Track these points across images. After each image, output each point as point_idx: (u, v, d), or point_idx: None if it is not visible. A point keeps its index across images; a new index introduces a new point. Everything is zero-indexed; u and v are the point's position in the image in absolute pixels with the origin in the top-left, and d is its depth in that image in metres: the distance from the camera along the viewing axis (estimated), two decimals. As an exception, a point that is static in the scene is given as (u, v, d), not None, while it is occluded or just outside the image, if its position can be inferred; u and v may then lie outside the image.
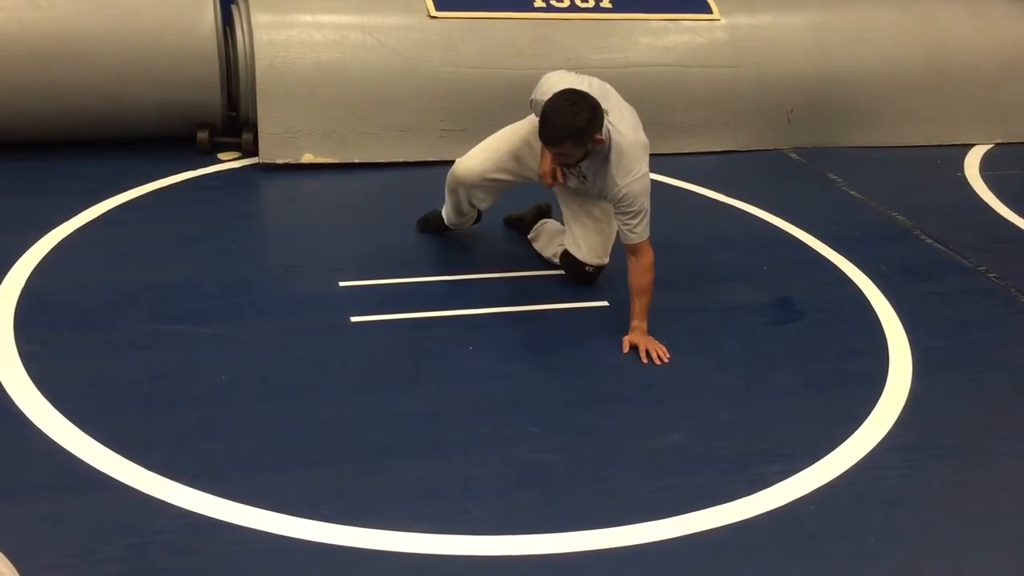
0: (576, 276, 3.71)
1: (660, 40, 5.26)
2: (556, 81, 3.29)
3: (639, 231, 3.30)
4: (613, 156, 3.21)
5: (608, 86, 3.35)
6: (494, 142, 3.62)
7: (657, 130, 5.12)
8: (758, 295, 3.82)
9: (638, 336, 3.34)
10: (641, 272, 3.33)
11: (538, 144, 3.38)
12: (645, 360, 3.27)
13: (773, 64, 5.40)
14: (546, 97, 3.17)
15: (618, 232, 3.41)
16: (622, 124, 3.22)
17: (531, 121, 3.49)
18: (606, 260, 3.68)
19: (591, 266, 3.66)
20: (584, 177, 3.39)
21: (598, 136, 3.15)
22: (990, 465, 2.90)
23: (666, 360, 3.28)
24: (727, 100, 5.35)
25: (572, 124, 3.07)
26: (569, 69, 3.48)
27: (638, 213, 3.26)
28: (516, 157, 3.57)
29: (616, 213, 3.34)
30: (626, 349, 3.32)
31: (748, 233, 4.43)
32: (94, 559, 2.29)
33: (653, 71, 5.13)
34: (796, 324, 3.65)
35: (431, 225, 4.02)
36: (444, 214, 3.92)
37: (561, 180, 3.40)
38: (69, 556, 2.29)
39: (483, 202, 3.77)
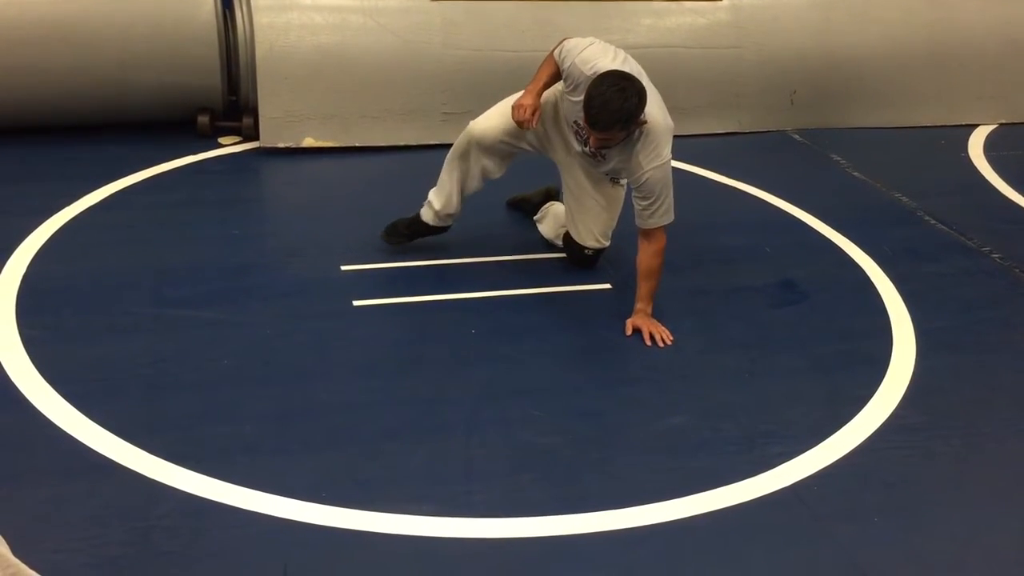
0: (576, 258, 3.69)
1: (662, 21, 5.23)
2: (595, 53, 3.17)
3: (658, 217, 3.23)
4: (642, 139, 3.14)
5: (635, 62, 3.25)
6: (507, 104, 3.46)
7: (659, 112, 5.15)
8: (761, 277, 3.81)
9: (641, 319, 3.33)
10: (652, 255, 3.30)
11: (551, 111, 3.38)
12: (648, 342, 3.26)
13: (776, 45, 5.38)
14: (587, 70, 3.10)
15: (635, 214, 3.29)
16: (652, 106, 3.13)
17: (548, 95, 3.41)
18: (606, 243, 3.64)
19: (590, 249, 3.62)
20: (600, 154, 3.29)
21: (642, 119, 3.08)
22: (994, 446, 2.89)
23: (669, 342, 3.27)
24: (730, 81, 5.33)
25: (622, 110, 2.98)
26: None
27: (659, 198, 3.19)
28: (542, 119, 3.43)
29: (636, 196, 3.24)
30: (629, 332, 3.31)
31: (751, 215, 4.41)
32: (97, 543, 2.29)
33: (655, 52, 5.09)
34: (799, 306, 3.64)
35: (399, 232, 3.73)
36: (434, 202, 3.64)
37: (533, 125, 3.28)
38: (72, 540, 2.30)
39: (493, 171, 3.57)
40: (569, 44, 3.25)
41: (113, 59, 4.58)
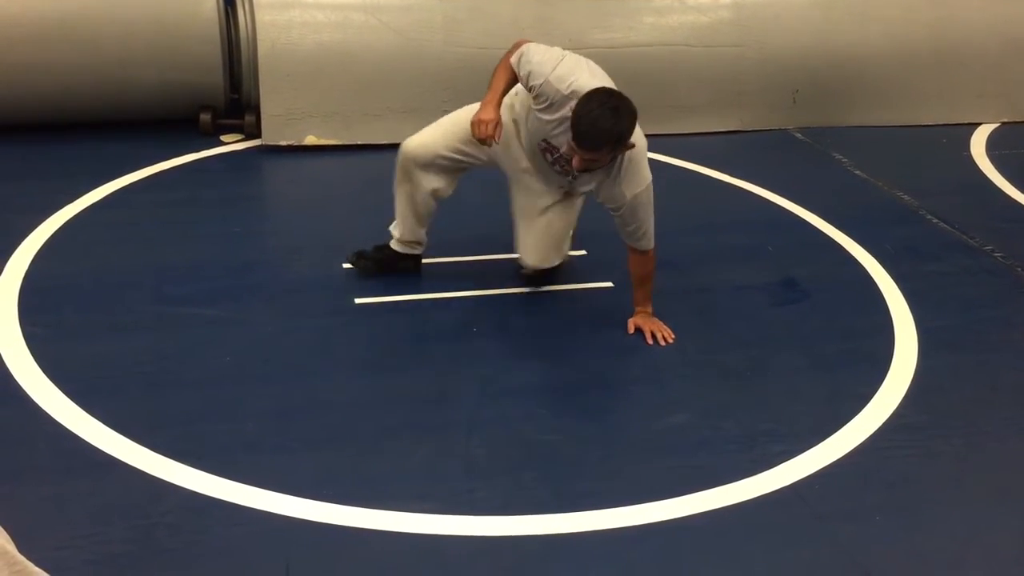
0: (524, 276, 3.53)
1: (664, 19, 5.22)
2: (570, 68, 2.97)
3: (646, 240, 3.16)
4: (624, 165, 3.01)
5: (603, 73, 3.05)
6: (448, 119, 3.36)
7: (661, 111, 5.15)
8: (763, 275, 3.81)
9: (643, 318, 3.33)
10: (644, 262, 3.26)
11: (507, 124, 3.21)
12: (650, 341, 3.27)
13: (778, 43, 5.37)
14: (565, 88, 2.92)
15: (620, 233, 3.18)
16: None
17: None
18: (555, 262, 3.47)
19: (528, 268, 3.45)
20: (570, 174, 3.13)
21: (630, 143, 2.93)
22: (996, 445, 2.89)
23: (671, 340, 3.27)
24: (731, 80, 5.33)
25: (613, 131, 2.82)
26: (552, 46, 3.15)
27: (643, 222, 3.11)
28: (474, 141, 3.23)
29: (618, 221, 3.13)
30: (631, 330, 3.32)
31: (753, 213, 4.41)
32: (100, 540, 2.30)
33: (656, 51, 5.10)
34: (801, 304, 3.64)
35: (367, 256, 3.55)
36: (394, 232, 3.51)
37: (497, 139, 3.05)
38: (75, 537, 2.30)
39: (442, 190, 3.37)
40: (530, 53, 3.03)
41: (115, 57, 4.58)
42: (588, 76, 2.96)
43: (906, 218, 4.45)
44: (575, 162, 2.91)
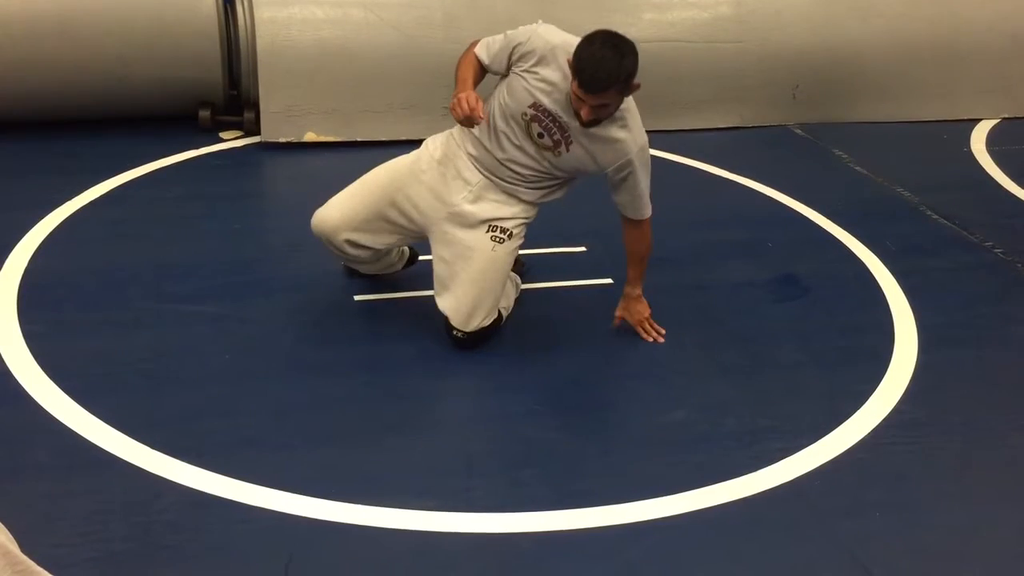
0: (456, 342, 3.12)
1: (664, 15, 5.21)
2: (553, 29, 2.90)
3: (646, 207, 3.03)
4: (624, 113, 2.87)
5: None
6: (360, 186, 3.08)
7: (661, 107, 5.14)
8: (763, 272, 3.81)
9: (632, 305, 3.22)
10: (643, 235, 3.10)
11: (422, 180, 3.03)
12: (648, 338, 3.24)
13: (778, 39, 5.36)
14: (555, 39, 2.83)
15: (621, 206, 3.05)
16: None
17: (413, 158, 3.09)
18: (481, 323, 3.07)
19: (460, 332, 3.07)
20: (563, 142, 2.91)
21: (636, 83, 2.78)
22: (996, 441, 2.89)
23: (662, 332, 3.25)
24: (732, 76, 5.32)
25: (620, 69, 2.67)
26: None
27: (645, 182, 2.97)
28: (393, 202, 3.04)
29: (620, 187, 2.97)
30: (616, 323, 3.25)
31: (753, 209, 4.41)
32: (99, 537, 2.30)
33: (657, 47, 5.08)
34: (801, 301, 3.63)
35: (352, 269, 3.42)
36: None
37: (482, 117, 2.78)
38: (74, 535, 2.30)
39: (379, 254, 3.16)
40: (497, 36, 2.95)
41: (114, 53, 4.57)
42: (572, 37, 2.82)
43: (906, 214, 4.45)
44: (584, 113, 2.75)
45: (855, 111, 5.58)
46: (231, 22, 4.85)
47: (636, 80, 2.77)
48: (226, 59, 4.82)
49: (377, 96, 4.82)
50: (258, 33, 4.68)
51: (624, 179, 2.96)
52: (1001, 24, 5.74)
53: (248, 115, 4.86)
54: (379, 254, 3.23)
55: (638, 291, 3.24)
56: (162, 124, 4.84)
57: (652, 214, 3.08)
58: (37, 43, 4.47)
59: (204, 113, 4.83)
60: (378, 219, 3.07)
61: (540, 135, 2.93)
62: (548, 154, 2.96)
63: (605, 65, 2.66)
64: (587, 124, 2.83)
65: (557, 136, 2.91)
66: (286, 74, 4.69)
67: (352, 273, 3.47)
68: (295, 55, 4.70)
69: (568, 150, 2.93)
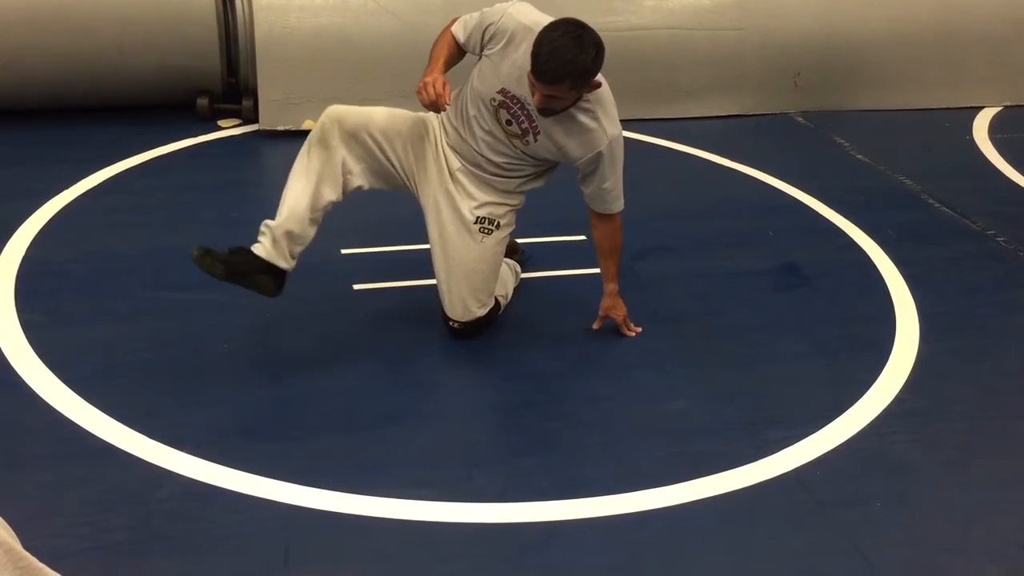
0: (451, 332, 3.10)
1: (665, 3, 5.19)
2: (530, 9, 2.81)
3: (618, 201, 2.95)
4: (594, 105, 2.76)
5: None
6: (386, 108, 3.03)
7: (662, 94, 5.12)
8: (764, 260, 3.80)
9: (612, 303, 3.17)
10: (614, 231, 3.02)
11: (432, 138, 2.96)
12: (631, 334, 3.20)
13: (780, 27, 5.34)
14: (526, 20, 2.73)
15: (589, 199, 2.97)
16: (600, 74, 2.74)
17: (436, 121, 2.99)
18: (479, 312, 3.05)
19: (456, 322, 3.05)
20: (531, 131, 2.80)
21: (596, 81, 2.70)
22: (997, 430, 2.88)
23: (638, 330, 3.20)
24: (733, 64, 5.30)
25: (576, 61, 2.56)
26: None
27: (617, 175, 2.89)
28: (420, 136, 2.96)
29: (590, 180, 2.89)
30: (597, 325, 3.20)
31: (753, 198, 4.39)
32: (98, 527, 2.29)
33: (657, 34, 5.06)
34: (802, 289, 3.62)
35: (217, 257, 2.82)
36: (276, 225, 2.86)
37: (447, 102, 2.67)
38: (73, 525, 2.29)
39: (354, 177, 2.90)
40: (474, 13, 2.85)
41: (112, 41, 4.55)
42: (549, 19, 2.71)
43: (908, 202, 4.43)
44: (536, 100, 2.66)
45: (856, 99, 5.56)
46: (229, 9, 4.83)
47: (598, 79, 2.69)
48: (224, 47, 4.80)
49: (376, 83, 4.80)
50: (256, 20, 4.65)
51: (592, 172, 2.88)
52: (1003, 11, 5.72)
53: (246, 103, 4.84)
54: (357, 179, 2.94)
55: (616, 289, 3.16)
56: (160, 112, 4.83)
57: (626, 207, 3.00)
58: (35, 31, 4.45)
59: (202, 101, 4.81)
60: (391, 140, 2.92)
61: (508, 122, 2.84)
62: (517, 142, 2.87)
63: (560, 55, 2.56)
64: (541, 112, 2.73)
65: (525, 124, 2.82)
66: (284, 62, 4.67)
67: (206, 266, 2.82)
68: (293, 42, 4.68)
69: (535, 140, 2.85)
